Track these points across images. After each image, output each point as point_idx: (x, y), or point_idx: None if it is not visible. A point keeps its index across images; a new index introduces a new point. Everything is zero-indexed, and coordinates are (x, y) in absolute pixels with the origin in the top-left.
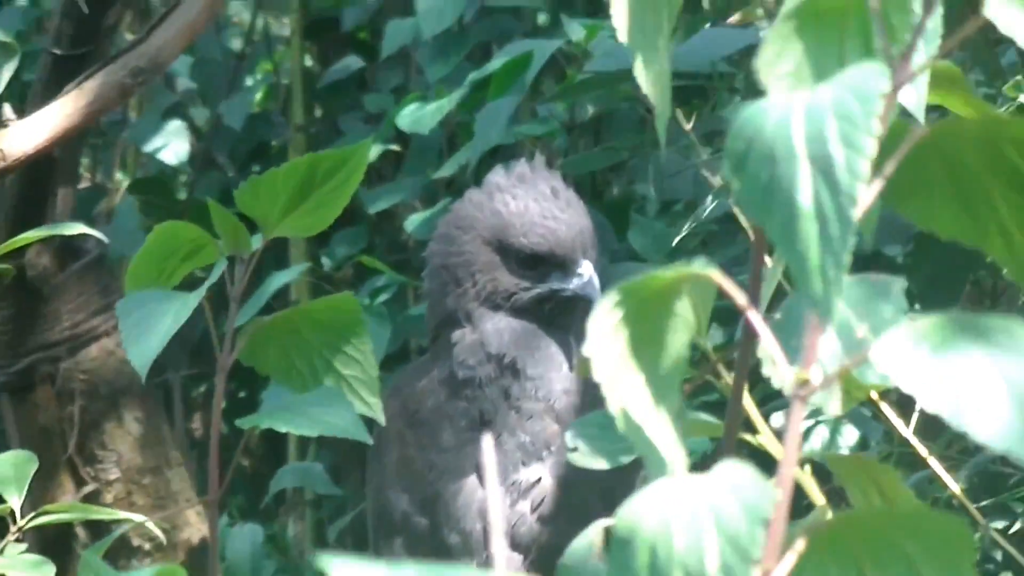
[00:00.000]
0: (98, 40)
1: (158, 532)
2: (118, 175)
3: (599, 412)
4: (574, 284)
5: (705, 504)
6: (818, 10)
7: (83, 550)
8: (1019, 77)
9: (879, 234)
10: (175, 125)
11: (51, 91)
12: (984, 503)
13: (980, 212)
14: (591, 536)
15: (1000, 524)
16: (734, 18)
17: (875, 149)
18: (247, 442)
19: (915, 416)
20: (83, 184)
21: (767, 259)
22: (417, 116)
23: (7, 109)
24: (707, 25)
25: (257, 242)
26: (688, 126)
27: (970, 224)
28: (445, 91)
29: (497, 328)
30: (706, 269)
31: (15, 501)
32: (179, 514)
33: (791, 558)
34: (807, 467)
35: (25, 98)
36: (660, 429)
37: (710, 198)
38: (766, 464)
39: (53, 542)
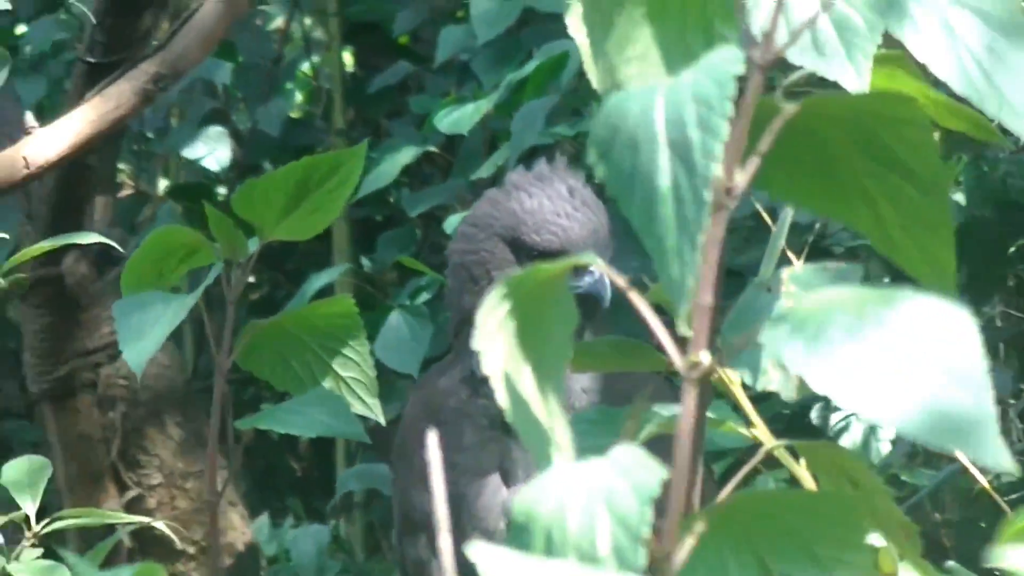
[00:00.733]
0: (131, 48)
1: (169, 533)
2: (161, 182)
3: (593, 408)
4: (585, 282)
5: (597, 486)
6: None
7: (128, 556)
8: None
9: None
10: (216, 131)
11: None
12: (1015, 496)
13: (848, 187)
14: None
15: None
16: None
17: (727, 131)
18: (297, 446)
19: None
20: (126, 192)
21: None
22: (455, 117)
23: (29, 116)
24: None
25: (253, 245)
26: None
27: (840, 199)
28: (483, 92)
29: None
30: (588, 258)
31: (29, 507)
32: (222, 518)
33: (690, 540)
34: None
35: None
36: (548, 420)
37: None
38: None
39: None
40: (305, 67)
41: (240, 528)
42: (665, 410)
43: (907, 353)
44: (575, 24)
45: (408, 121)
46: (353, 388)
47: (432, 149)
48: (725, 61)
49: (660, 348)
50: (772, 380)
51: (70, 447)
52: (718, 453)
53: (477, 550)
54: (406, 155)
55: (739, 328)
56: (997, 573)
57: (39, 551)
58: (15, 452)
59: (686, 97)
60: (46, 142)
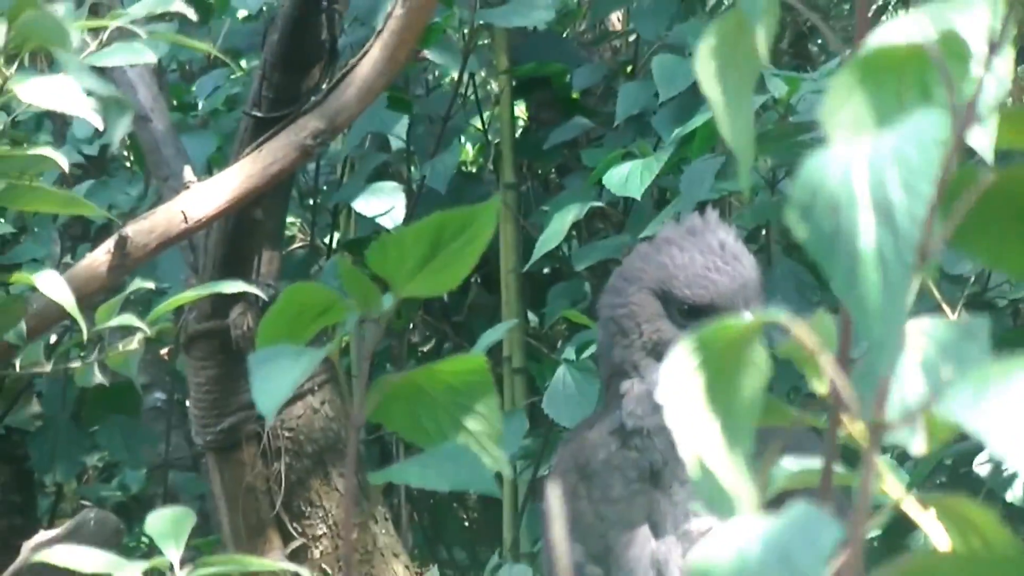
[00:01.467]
0: (298, 103)
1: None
2: (335, 235)
3: None
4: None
5: (774, 542)
6: (879, 61)
7: None
8: None
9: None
10: (391, 186)
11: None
12: None
13: None
14: None
15: None
16: None
17: (934, 194)
18: (466, 498)
19: None
20: (297, 245)
21: None
22: (625, 177)
23: (188, 171)
24: None
25: (388, 302)
26: None
27: None
28: (650, 149)
29: None
30: (777, 316)
31: (172, 554)
32: (385, 568)
33: None
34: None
35: None
36: (733, 476)
37: None
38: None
39: None
40: (475, 121)
41: None
42: (799, 463)
43: None
44: (708, 81)
45: (578, 175)
46: (481, 441)
47: (600, 205)
48: (930, 124)
49: (835, 403)
50: (898, 434)
51: (235, 498)
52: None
53: None
54: (574, 212)
55: (864, 382)
56: None
57: None
58: (182, 503)
59: (888, 159)
60: (205, 196)
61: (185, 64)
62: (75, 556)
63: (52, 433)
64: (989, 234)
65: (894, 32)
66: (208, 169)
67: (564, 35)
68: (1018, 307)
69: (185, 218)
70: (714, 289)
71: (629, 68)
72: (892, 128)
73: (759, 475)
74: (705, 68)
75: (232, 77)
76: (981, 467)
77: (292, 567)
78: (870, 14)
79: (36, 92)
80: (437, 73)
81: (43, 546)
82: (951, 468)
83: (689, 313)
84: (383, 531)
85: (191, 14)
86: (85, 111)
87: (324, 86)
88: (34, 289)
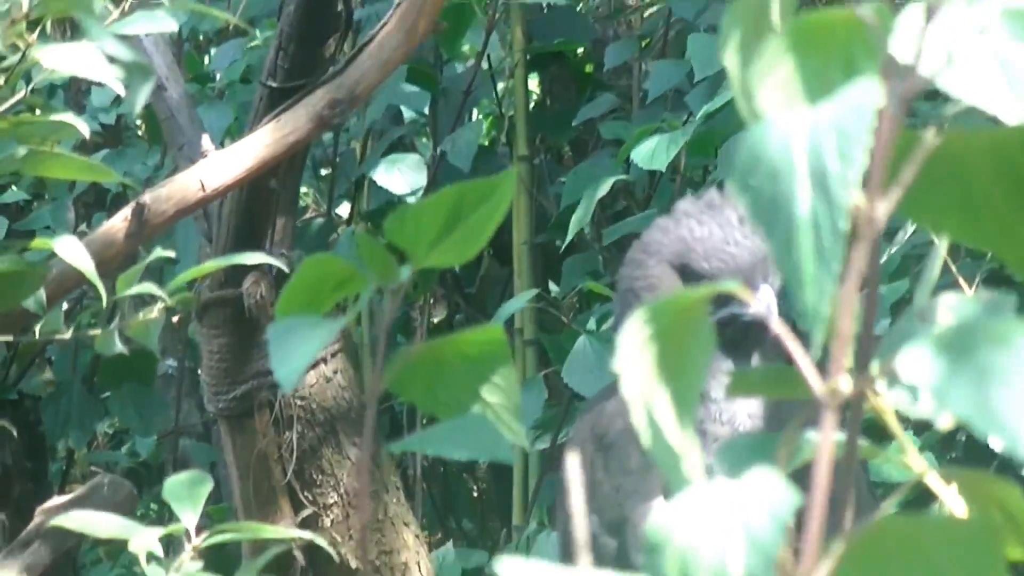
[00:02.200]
0: (313, 74)
1: (328, 548)
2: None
3: (749, 434)
4: (753, 309)
5: (731, 509)
6: (811, 27)
7: (301, 574)
8: None
9: None
10: (413, 159)
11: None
12: None
13: (985, 216)
14: None
15: None
16: None
17: (866, 161)
18: (475, 469)
19: None
20: (310, 215)
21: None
22: (650, 152)
23: (206, 140)
24: None
25: (405, 273)
26: None
27: (976, 228)
28: (677, 123)
29: None
30: (730, 286)
31: (189, 519)
32: (396, 538)
33: (826, 565)
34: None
35: None
36: (680, 445)
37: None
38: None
39: (274, 566)
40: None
41: (414, 547)
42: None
43: None
44: (729, 55)
45: (605, 149)
46: (499, 414)
47: (627, 179)
48: (865, 93)
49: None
50: (924, 408)
51: (246, 466)
52: (892, 485)
53: (506, 565)
54: (603, 188)
55: (891, 356)
56: None
57: (199, 564)
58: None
59: (826, 128)
60: (222, 165)
61: (199, 34)
62: (90, 521)
63: (65, 399)
64: (933, 200)
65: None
66: (223, 141)
67: (579, 9)
68: None
69: (203, 187)
70: (732, 263)
71: (645, 43)
72: (827, 96)
73: (784, 447)
74: (726, 40)
75: (250, 47)
76: (995, 441)
77: (306, 535)
78: None
79: (59, 59)
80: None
81: (57, 511)
82: (966, 444)
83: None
84: (394, 500)
85: None
86: (108, 78)
87: (340, 57)
88: (51, 256)
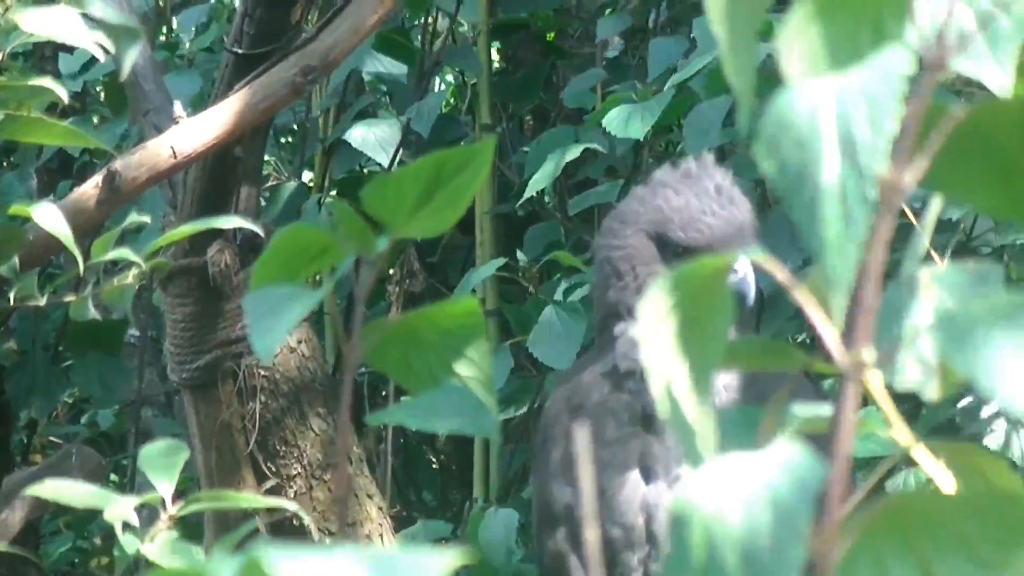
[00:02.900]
0: (280, 40)
1: (304, 515)
2: (307, 174)
3: (734, 407)
4: (730, 281)
5: (759, 481)
6: None
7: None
8: None
9: None
10: (390, 123)
11: (233, 89)
12: None
13: (1013, 186)
14: None
15: None
16: None
17: (896, 131)
18: (436, 441)
19: None
20: (272, 183)
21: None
22: (626, 120)
23: (178, 106)
24: None
25: (383, 243)
26: None
27: (1004, 198)
28: (649, 93)
29: None
30: (750, 252)
31: (165, 488)
32: (360, 510)
33: (847, 540)
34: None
35: None
36: (698, 416)
37: None
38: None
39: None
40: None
41: (377, 520)
42: (806, 410)
43: None
44: (717, 16)
45: (553, 117)
46: (472, 387)
47: (598, 148)
48: (896, 61)
49: (820, 345)
50: (912, 379)
51: (210, 436)
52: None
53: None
54: (565, 154)
55: (880, 327)
56: None
57: (174, 533)
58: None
59: (855, 96)
60: (194, 132)
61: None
62: (65, 490)
63: (30, 368)
64: (960, 171)
65: None
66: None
67: None
68: (1003, 254)
69: (174, 153)
70: (709, 232)
71: (609, 10)
72: (855, 63)
73: (768, 420)
74: (715, 3)
75: (213, 3)
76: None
77: (284, 503)
78: None
79: (39, 23)
80: (408, 14)
81: (25, 481)
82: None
83: (684, 256)
84: (358, 472)
85: None
86: (87, 42)
87: (307, 23)
88: (25, 222)
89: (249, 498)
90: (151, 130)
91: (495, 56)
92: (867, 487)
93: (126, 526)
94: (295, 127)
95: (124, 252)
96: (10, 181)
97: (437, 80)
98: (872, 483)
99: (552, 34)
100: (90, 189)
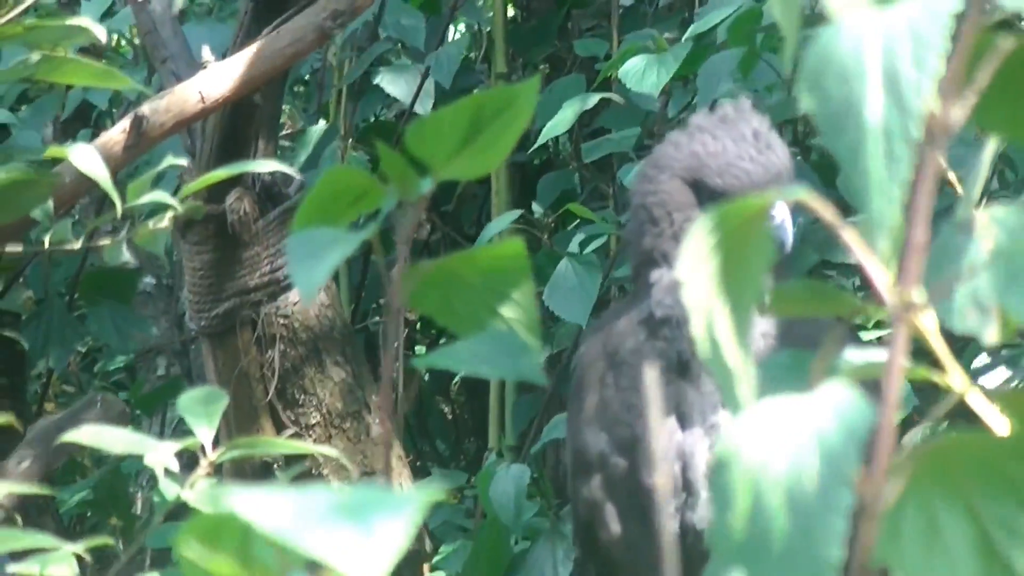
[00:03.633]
0: None
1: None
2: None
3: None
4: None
5: (806, 424)
6: None
7: None
8: None
9: None
10: (414, 68)
11: (253, 35)
12: None
13: None
14: None
15: None
16: None
17: (942, 68)
18: (449, 390)
19: None
20: (287, 131)
21: None
22: (642, 73)
23: (206, 51)
24: None
25: (426, 185)
26: None
27: None
28: (665, 44)
29: None
30: (797, 191)
31: (205, 434)
32: (379, 459)
33: (896, 483)
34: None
35: None
36: (737, 358)
37: None
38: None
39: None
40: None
41: (397, 469)
42: (856, 355)
43: None
44: None
45: (568, 66)
46: (517, 330)
47: (615, 97)
48: None
49: (869, 286)
50: (969, 323)
51: (228, 384)
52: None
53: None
54: (582, 102)
55: (935, 271)
56: None
57: (214, 480)
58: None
59: (901, 33)
60: (221, 77)
61: None
62: (103, 436)
63: (47, 317)
64: (1009, 106)
65: None
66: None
67: None
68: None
69: (202, 98)
70: (746, 178)
71: None
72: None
73: (818, 364)
74: None
75: None
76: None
77: (321, 450)
78: None
79: None
80: None
81: (50, 429)
82: None
83: (720, 202)
84: (376, 421)
85: None
86: None
87: None
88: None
89: (283, 443)
90: (170, 77)
91: (510, 5)
92: (922, 430)
93: (167, 472)
94: (306, 77)
95: (160, 195)
96: (29, 134)
97: (452, 28)
98: (928, 427)
99: None
100: (117, 134)
